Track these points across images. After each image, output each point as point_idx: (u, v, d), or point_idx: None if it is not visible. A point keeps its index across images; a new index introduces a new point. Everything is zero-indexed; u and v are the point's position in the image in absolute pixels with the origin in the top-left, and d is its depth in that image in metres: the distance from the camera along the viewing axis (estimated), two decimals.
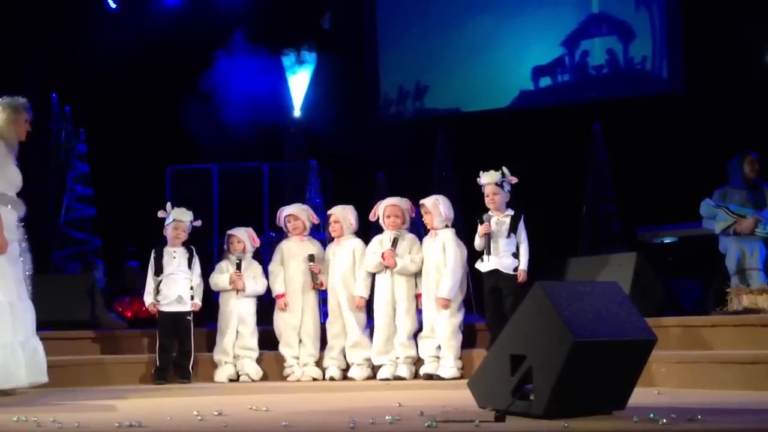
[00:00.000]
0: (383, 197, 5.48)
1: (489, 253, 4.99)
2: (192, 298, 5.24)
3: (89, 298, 5.84)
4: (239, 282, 5.25)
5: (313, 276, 5.25)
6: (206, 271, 5.43)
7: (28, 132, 4.54)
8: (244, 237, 5.38)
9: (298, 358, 5.23)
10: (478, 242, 5.07)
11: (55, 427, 2.92)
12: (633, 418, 2.78)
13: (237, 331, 5.27)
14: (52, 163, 8.22)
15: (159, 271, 5.22)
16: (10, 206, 4.36)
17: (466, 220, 6.59)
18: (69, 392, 4.43)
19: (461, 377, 4.88)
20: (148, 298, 5.22)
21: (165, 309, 5.19)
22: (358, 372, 5.11)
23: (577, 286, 3.10)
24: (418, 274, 5.12)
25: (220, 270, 5.38)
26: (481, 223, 5.03)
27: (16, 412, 3.26)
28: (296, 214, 5.39)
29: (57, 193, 7.92)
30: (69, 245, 7.75)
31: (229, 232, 5.44)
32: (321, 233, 6.41)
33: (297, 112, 9.75)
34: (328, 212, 5.40)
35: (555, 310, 2.88)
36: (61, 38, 8.64)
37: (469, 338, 5.35)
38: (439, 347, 4.98)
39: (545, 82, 9.61)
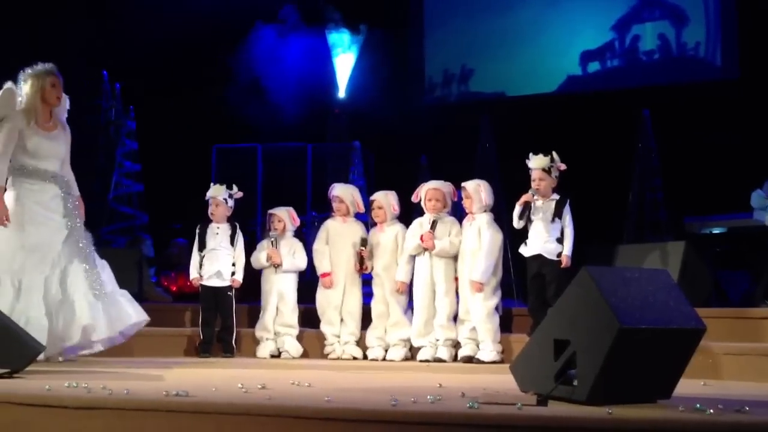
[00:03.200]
0: (425, 180, 5.47)
1: (530, 221, 4.90)
2: (233, 274, 5.31)
3: (137, 272, 5.98)
4: (276, 256, 5.30)
5: (361, 260, 5.27)
6: (250, 249, 5.51)
7: (59, 96, 4.43)
8: (285, 216, 5.44)
9: (338, 336, 5.28)
10: (517, 211, 4.98)
11: (105, 394, 3.00)
12: (679, 408, 2.74)
13: (277, 308, 5.35)
14: (101, 140, 8.38)
15: (202, 246, 5.32)
16: (35, 178, 4.35)
17: (509, 205, 6.53)
18: (118, 361, 4.54)
19: (501, 361, 4.87)
20: (193, 272, 5.32)
21: (206, 283, 5.29)
22: (396, 353, 5.15)
23: (624, 273, 3.05)
24: (457, 257, 5.12)
25: (260, 248, 5.45)
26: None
27: (67, 378, 3.36)
28: (342, 196, 5.40)
29: (106, 169, 8.08)
30: (117, 220, 7.92)
31: (270, 211, 5.51)
32: (363, 215, 6.44)
33: (342, 93, 9.77)
34: (371, 198, 5.41)
35: (601, 296, 2.85)
36: (112, 16, 8.77)
37: (509, 323, 5.34)
38: (474, 329, 4.98)
39: (594, 67, 9.45)
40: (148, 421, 2.83)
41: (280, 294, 5.36)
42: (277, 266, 5.35)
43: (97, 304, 4.40)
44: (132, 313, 4.54)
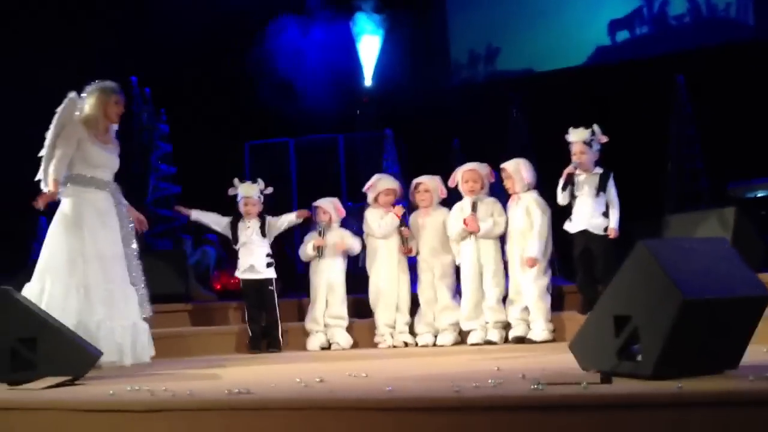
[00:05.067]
0: (459, 164, 5.41)
1: (574, 197, 4.88)
2: (268, 265, 5.31)
3: (183, 272, 6.04)
4: (320, 240, 5.29)
5: (403, 240, 5.25)
6: (286, 243, 5.52)
7: (120, 114, 4.60)
8: (330, 208, 5.43)
9: (392, 327, 5.26)
10: (560, 191, 4.94)
11: (168, 396, 3.02)
12: (749, 377, 2.68)
13: (327, 300, 5.36)
14: (135, 146, 8.46)
15: (236, 240, 5.37)
16: (92, 187, 4.46)
17: (544, 183, 6.47)
18: (173, 362, 4.60)
19: (553, 340, 4.83)
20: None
21: (242, 276, 5.33)
22: (446, 338, 5.13)
23: (682, 244, 3.00)
24: (502, 238, 5.07)
25: (307, 240, 5.45)
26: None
27: (127, 382, 3.41)
28: (429, 186, 5.25)
29: (143, 174, 8.16)
30: (157, 223, 8.00)
31: (314, 203, 5.49)
32: (401, 200, 6.42)
33: (368, 82, 9.75)
34: (416, 181, 5.35)
35: (661, 269, 2.79)
36: (136, 21, 8.83)
37: (557, 301, 5.28)
38: (525, 309, 4.94)
39: (623, 36, 9.30)
40: (213, 420, 2.85)
41: (329, 285, 5.36)
42: (321, 254, 5.32)
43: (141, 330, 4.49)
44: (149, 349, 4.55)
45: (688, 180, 7.79)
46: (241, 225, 5.38)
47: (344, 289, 5.40)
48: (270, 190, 5.42)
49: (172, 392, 3.07)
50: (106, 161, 4.54)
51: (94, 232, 4.40)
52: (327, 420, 2.72)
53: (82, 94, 4.54)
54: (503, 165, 5.10)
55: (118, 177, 4.74)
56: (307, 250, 5.41)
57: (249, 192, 5.37)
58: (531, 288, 4.90)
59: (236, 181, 5.42)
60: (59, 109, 4.47)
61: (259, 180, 5.41)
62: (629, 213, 5.29)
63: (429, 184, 5.26)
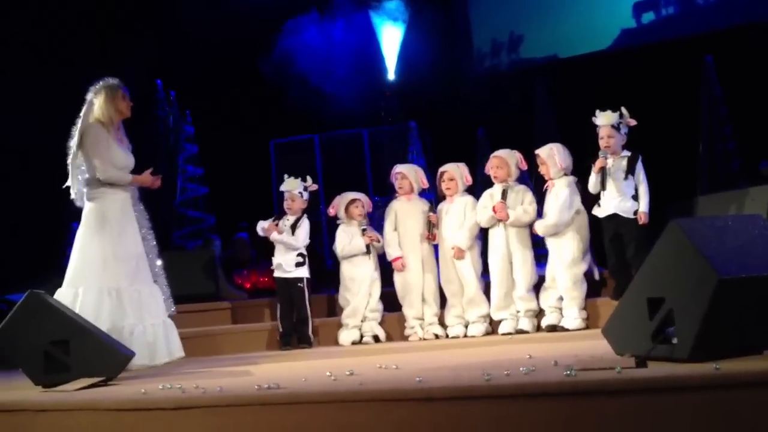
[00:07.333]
0: (485, 153, 5.36)
1: (604, 189, 4.79)
2: (297, 265, 5.29)
3: (213, 272, 6.07)
4: (373, 236, 5.28)
5: (430, 226, 5.20)
6: (315, 240, 5.52)
7: (130, 106, 4.52)
8: (366, 203, 5.44)
9: (421, 318, 5.23)
10: (593, 179, 4.86)
11: (199, 393, 3.03)
12: None
13: (369, 294, 5.32)
14: (162, 148, 8.50)
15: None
16: (116, 187, 4.46)
17: (575, 168, 6.36)
18: (205, 360, 4.62)
19: (586, 328, 4.76)
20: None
21: (274, 275, 5.38)
22: (476, 329, 5.08)
23: (716, 222, 2.91)
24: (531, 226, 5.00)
25: (349, 235, 5.39)
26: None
27: (159, 381, 3.43)
28: (405, 172, 5.37)
29: (170, 176, 8.19)
30: (186, 224, 8.04)
31: (355, 197, 5.45)
32: (429, 193, 6.37)
33: (391, 75, 9.70)
34: (441, 169, 5.30)
35: (695, 248, 2.72)
36: (157, 24, 8.88)
37: (590, 288, 5.19)
38: (560, 297, 4.87)
39: (648, 17, 9.10)
40: (244, 416, 2.85)
41: (373, 279, 5.34)
42: (370, 251, 5.30)
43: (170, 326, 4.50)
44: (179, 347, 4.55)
45: (720, 161, 7.60)
46: (281, 224, 5.39)
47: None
48: (315, 186, 5.41)
49: (203, 389, 3.08)
50: (128, 161, 4.53)
51: (121, 232, 4.42)
52: (356, 412, 2.70)
53: (88, 96, 4.49)
54: (537, 151, 5.03)
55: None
56: (356, 244, 5.32)
57: (289, 186, 5.39)
58: (566, 276, 4.83)
59: (286, 176, 5.43)
60: (81, 114, 4.47)
61: (308, 178, 5.38)
62: (661, 196, 5.19)
63: (454, 172, 5.22)
